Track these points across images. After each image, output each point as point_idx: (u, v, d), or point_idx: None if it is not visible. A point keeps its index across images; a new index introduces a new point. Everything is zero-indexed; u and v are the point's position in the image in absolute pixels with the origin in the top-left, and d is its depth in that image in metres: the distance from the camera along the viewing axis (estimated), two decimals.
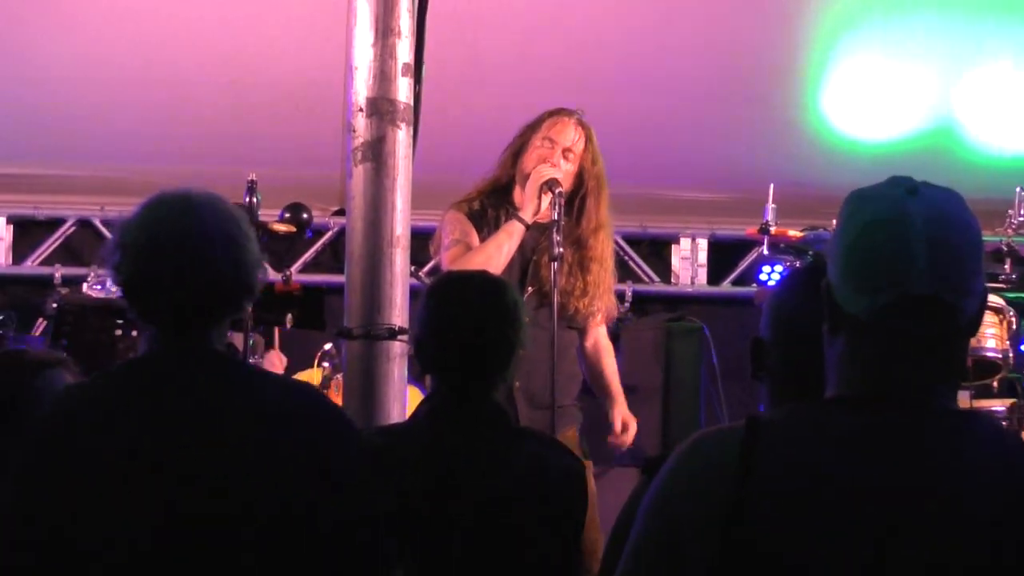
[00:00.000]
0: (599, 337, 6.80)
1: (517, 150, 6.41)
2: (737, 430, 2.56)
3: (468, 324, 4.13)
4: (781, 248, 7.35)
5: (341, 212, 9.05)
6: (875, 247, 2.53)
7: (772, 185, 7.26)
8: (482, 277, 4.63)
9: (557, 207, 6.15)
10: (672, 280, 10.24)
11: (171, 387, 3.28)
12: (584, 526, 4.27)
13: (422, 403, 4.23)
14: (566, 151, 6.32)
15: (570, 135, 6.34)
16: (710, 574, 2.47)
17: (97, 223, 9.72)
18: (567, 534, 4.17)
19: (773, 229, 7.22)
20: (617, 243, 9.56)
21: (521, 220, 6.18)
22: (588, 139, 6.42)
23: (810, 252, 7.25)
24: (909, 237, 2.49)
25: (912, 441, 2.50)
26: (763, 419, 2.61)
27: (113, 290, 8.37)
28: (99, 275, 8.67)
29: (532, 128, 6.42)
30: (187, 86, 8.24)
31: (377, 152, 5.26)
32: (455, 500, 3.99)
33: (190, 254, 3.29)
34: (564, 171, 6.29)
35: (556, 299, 6.11)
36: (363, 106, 5.30)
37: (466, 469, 4.03)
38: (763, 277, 8.79)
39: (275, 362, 7.75)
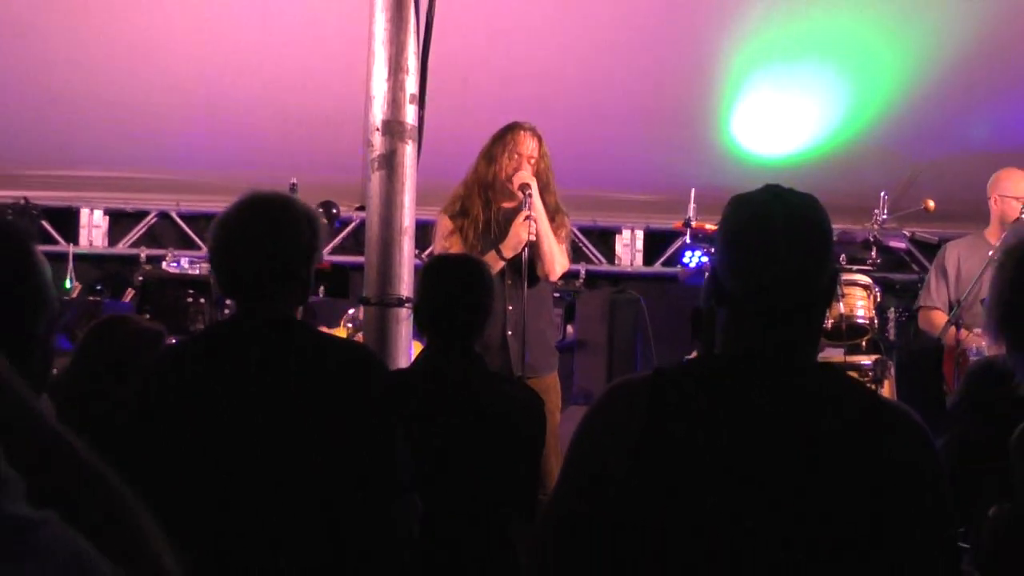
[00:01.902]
0: None
1: (490, 157, 6.41)
2: (646, 378, 2.56)
3: (450, 294, 4.23)
4: (699, 238, 7.39)
5: (362, 208, 9.09)
6: (747, 239, 2.53)
7: (693, 189, 7.28)
8: (464, 259, 4.72)
9: (527, 203, 6.26)
10: (616, 262, 10.21)
11: (245, 344, 3.39)
12: (543, 451, 4.32)
13: (421, 353, 4.33)
14: (528, 158, 6.36)
15: (529, 145, 6.37)
16: (621, 494, 2.47)
17: (173, 215, 9.75)
18: (529, 455, 4.21)
19: (694, 223, 7.25)
20: (573, 233, 9.63)
21: (501, 255, 6.22)
22: (540, 143, 6.43)
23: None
24: (773, 231, 2.49)
25: (778, 389, 2.50)
26: (667, 370, 2.60)
27: (186, 266, 8.47)
28: (175, 255, 8.78)
29: (500, 140, 6.41)
30: (244, 108, 8.24)
31: (390, 162, 5.30)
32: (445, 422, 4.07)
33: (254, 239, 3.41)
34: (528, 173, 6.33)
35: (524, 272, 6.24)
36: (379, 127, 5.34)
37: (452, 401, 4.10)
38: (686, 260, 8.84)
39: None
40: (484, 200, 6.39)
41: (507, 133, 6.43)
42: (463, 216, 6.39)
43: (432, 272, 4.35)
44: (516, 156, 6.35)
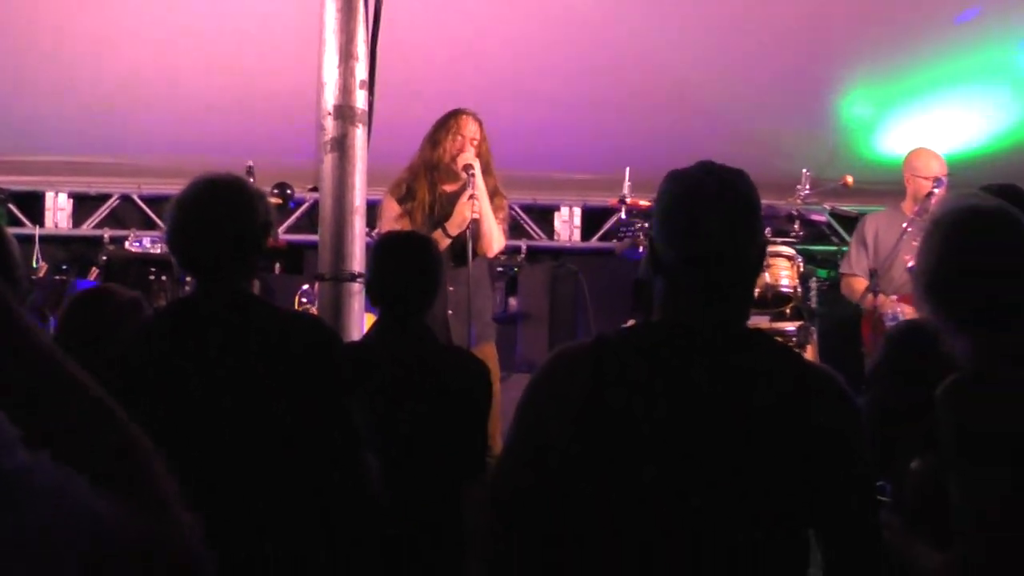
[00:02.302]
0: None
1: (434, 141, 6.47)
2: (588, 346, 2.59)
3: (402, 271, 4.23)
4: (634, 213, 7.41)
5: (315, 189, 9.05)
6: (680, 213, 2.55)
7: (628, 168, 7.30)
8: (414, 236, 4.73)
9: (470, 183, 6.31)
10: (555, 238, 10.21)
11: (207, 320, 3.39)
12: (489, 415, 4.36)
13: (373, 326, 4.33)
14: (471, 140, 6.43)
15: (471, 128, 6.45)
16: (564, 462, 2.49)
17: (135, 197, 9.66)
18: (477, 418, 4.25)
19: (628, 200, 7.28)
20: (514, 210, 9.68)
21: (447, 233, 6.30)
22: (481, 128, 6.50)
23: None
24: (704, 206, 2.51)
25: (712, 357, 2.52)
26: (608, 338, 2.62)
27: (148, 246, 8.43)
28: (137, 235, 8.72)
29: (444, 125, 6.49)
30: (202, 96, 8.16)
31: (341, 145, 5.29)
32: (398, 391, 4.08)
33: (212, 221, 3.40)
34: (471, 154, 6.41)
35: (469, 252, 6.30)
36: (331, 111, 5.33)
37: (405, 371, 4.12)
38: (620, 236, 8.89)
39: None
40: (430, 183, 6.46)
41: (451, 118, 6.50)
42: (410, 199, 6.45)
43: (384, 249, 4.35)
44: (459, 139, 6.43)
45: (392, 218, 6.41)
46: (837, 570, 2.55)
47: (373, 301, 4.31)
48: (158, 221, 9.41)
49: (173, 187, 9.56)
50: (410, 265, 4.22)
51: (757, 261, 2.65)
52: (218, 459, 3.24)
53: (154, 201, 9.59)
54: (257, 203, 3.45)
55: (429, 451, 4.09)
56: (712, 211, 2.51)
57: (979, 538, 2.60)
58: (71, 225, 9.68)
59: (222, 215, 3.38)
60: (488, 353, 6.35)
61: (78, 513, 1.11)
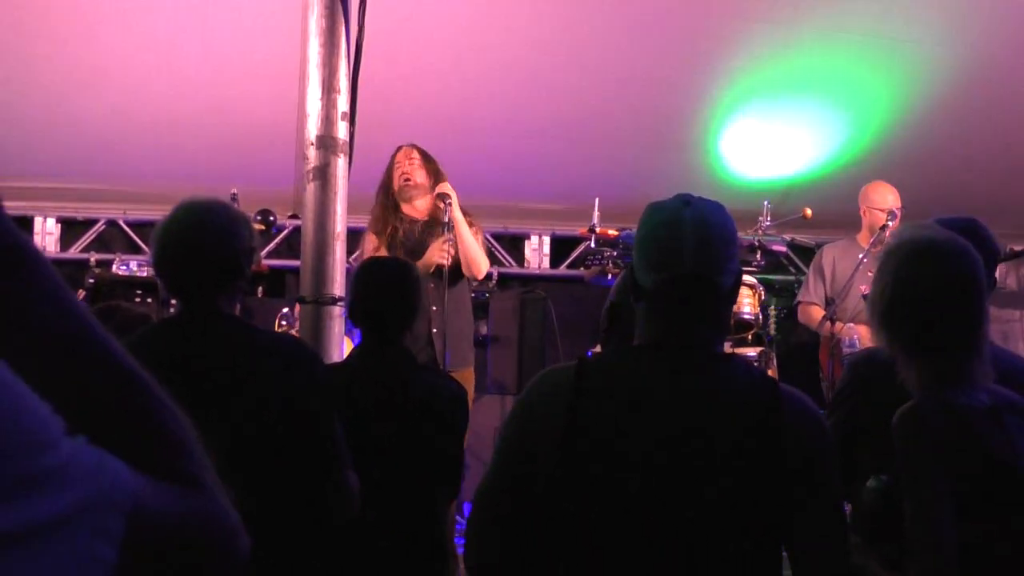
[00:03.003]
0: None
1: (385, 183, 6.75)
2: (572, 366, 2.61)
3: (382, 294, 4.21)
4: (601, 243, 7.42)
5: (295, 216, 9.04)
6: (659, 240, 2.58)
7: (597, 199, 7.30)
8: (393, 262, 4.71)
9: (447, 212, 6.38)
10: (525, 265, 10.22)
11: (190, 338, 3.36)
12: (465, 435, 4.34)
13: (355, 348, 4.30)
14: (408, 162, 6.70)
15: (406, 153, 6.73)
16: (548, 475, 2.50)
17: (121, 223, 9.64)
18: (454, 438, 4.23)
19: (598, 229, 7.29)
20: (486, 238, 9.67)
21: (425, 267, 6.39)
22: (420, 152, 6.75)
23: (621, 245, 7.34)
24: (682, 234, 2.54)
25: (689, 378, 2.55)
26: (590, 359, 2.67)
27: (134, 269, 8.39)
28: (123, 259, 8.67)
29: (388, 166, 6.78)
30: (186, 126, 8.13)
31: (323, 174, 5.27)
32: (378, 411, 4.05)
33: (197, 245, 3.37)
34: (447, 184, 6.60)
35: (445, 279, 6.44)
36: (314, 141, 5.30)
37: (385, 391, 4.09)
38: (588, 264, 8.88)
39: None
40: (396, 216, 6.66)
41: (392, 157, 6.81)
42: (383, 233, 6.63)
43: (365, 273, 4.32)
44: (399, 167, 6.70)
45: (371, 249, 6.57)
46: None
47: (354, 323, 4.27)
48: (143, 245, 9.40)
49: (158, 212, 9.55)
50: (390, 289, 4.19)
51: (733, 287, 2.66)
52: None
53: (139, 226, 9.58)
54: (241, 228, 3.43)
55: (407, 471, 4.05)
56: (689, 236, 2.54)
57: (928, 559, 2.59)
58: (59, 249, 9.63)
59: (207, 239, 3.35)
60: (467, 377, 6.40)
61: (119, 496, 1.09)
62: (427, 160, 6.72)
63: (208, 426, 3.11)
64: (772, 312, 7.97)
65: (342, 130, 5.37)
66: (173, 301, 6.08)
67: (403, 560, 4.03)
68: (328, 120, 5.34)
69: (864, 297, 6.88)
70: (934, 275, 2.81)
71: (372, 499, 3.63)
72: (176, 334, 3.39)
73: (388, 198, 6.70)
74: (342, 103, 5.38)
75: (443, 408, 4.16)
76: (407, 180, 6.64)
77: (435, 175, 6.68)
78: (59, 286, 1.22)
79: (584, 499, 2.49)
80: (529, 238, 10.28)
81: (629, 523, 2.47)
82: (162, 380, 3.17)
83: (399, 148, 6.78)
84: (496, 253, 10.04)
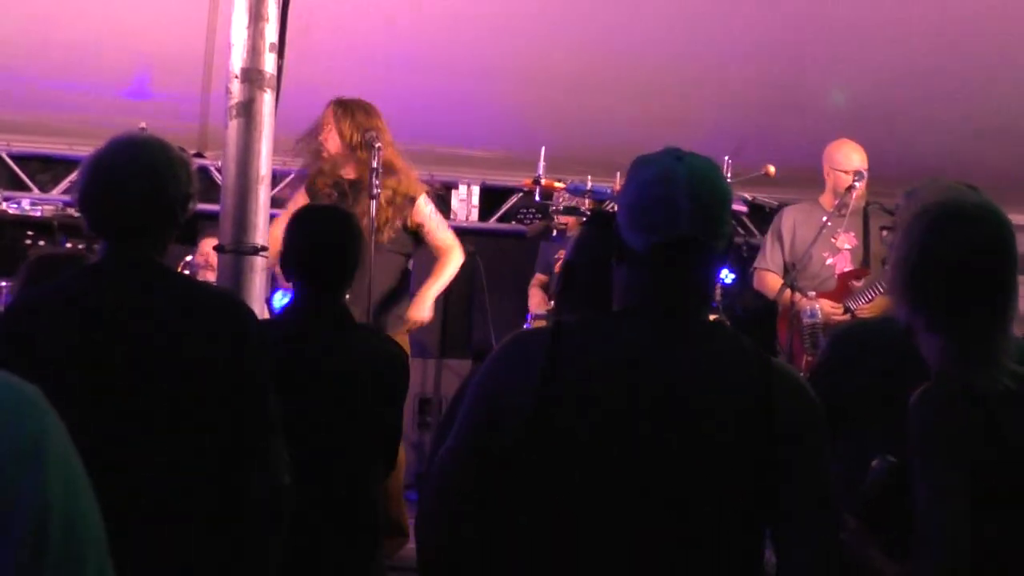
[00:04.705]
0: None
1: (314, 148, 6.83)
2: (547, 330, 2.63)
3: (323, 244, 4.20)
4: (548, 196, 7.42)
5: (200, 155, 9.02)
6: (651, 199, 2.60)
7: (543, 147, 7.27)
8: (334, 210, 4.69)
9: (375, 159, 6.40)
10: (451, 216, 10.13)
11: (116, 288, 3.32)
12: (404, 401, 4.34)
13: (289, 302, 4.28)
14: (324, 126, 6.75)
15: (325, 116, 6.74)
16: (517, 441, 2.53)
17: (3, 155, 9.46)
18: (394, 403, 4.25)
19: (544, 181, 7.28)
20: None
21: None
22: (334, 114, 6.73)
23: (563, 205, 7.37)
24: (676, 192, 2.56)
25: (673, 343, 2.59)
26: (567, 323, 2.68)
27: (27, 208, 8.28)
28: (13, 197, 8.57)
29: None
30: (91, 51, 7.95)
31: (248, 110, 5.19)
32: (312, 371, 4.05)
33: (131, 183, 3.34)
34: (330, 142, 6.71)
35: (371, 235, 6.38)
36: (238, 74, 5.23)
37: (318, 351, 4.09)
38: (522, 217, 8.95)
39: None
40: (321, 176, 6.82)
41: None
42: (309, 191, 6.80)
43: (302, 221, 4.30)
44: (321, 130, 6.76)
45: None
46: (791, 571, 2.59)
47: (288, 277, 4.25)
48: (28, 181, 9.28)
49: (47, 146, 9.46)
50: (330, 239, 4.19)
51: (723, 252, 2.69)
52: (117, 440, 3.17)
53: (24, 159, 9.44)
54: (180, 171, 3.40)
55: (341, 437, 4.07)
56: (684, 197, 2.57)
57: (941, 552, 2.64)
58: None
59: (143, 179, 3.32)
60: (403, 342, 6.41)
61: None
62: (345, 115, 6.71)
63: (126, 383, 3.13)
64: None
65: (270, 63, 5.31)
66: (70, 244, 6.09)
67: (335, 539, 4.05)
68: (255, 51, 5.26)
69: (830, 266, 7.06)
70: (966, 241, 2.85)
71: (303, 473, 3.63)
72: (100, 282, 3.34)
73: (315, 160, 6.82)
74: (270, 33, 5.30)
75: (384, 374, 4.17)
76: (324, 155, 6.75)
77: (359, 129, 6.66)
78: None
79: (560, 474, 2.53)
80: (457, 187, 10.24)
81: (608, 498, 2.51)
82: (83, 334, 3.15)
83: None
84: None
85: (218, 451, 3.28)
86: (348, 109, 6.70)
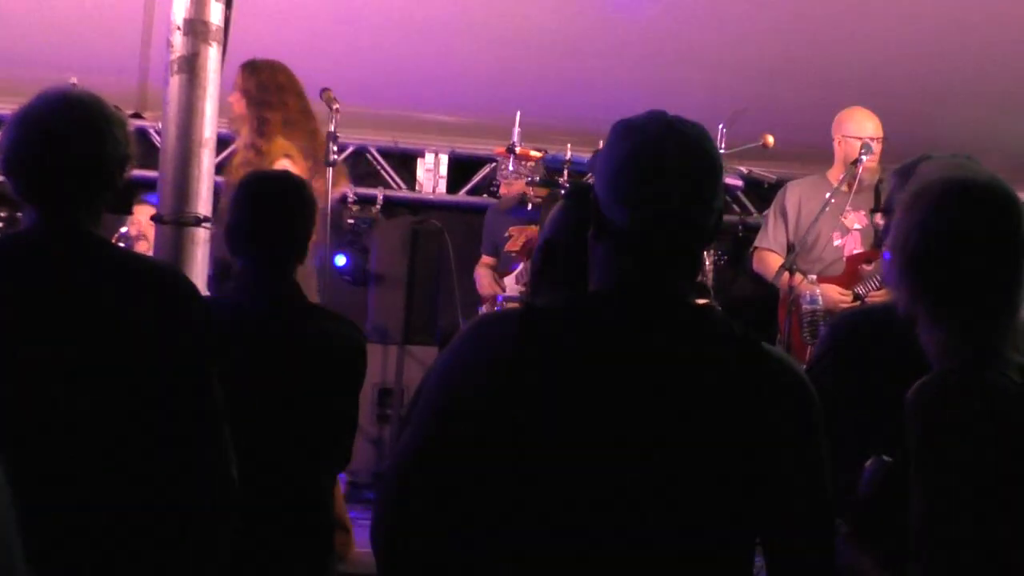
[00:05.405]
0: None
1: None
2: (515, 314, 2.60)
3: (273, 215, 4.16)
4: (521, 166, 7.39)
5: (137, 115, 8.97)
6: (637, 169, 2.55)
7: (519, 112, 7.25)
8: (285, 176, 4.65)
9: None
10: (417, 188, 10.16)
11: (45, 260, 3.26)
12: (360, 387, 4.32)
13: (234, 277, 4.25)
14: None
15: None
16: (483, 430, 2.50)
17: None
18: (349, 391, 4.23)
19: (519, 149, 7.25)
20: (370, 153, 9.67)
21: None
22: (242, 72, 6.74)
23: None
24: (665, 162, 2.52)
25: (656, 329, 2.55)
26: (538, 307, 2.66)
27: None
28: None
29: None
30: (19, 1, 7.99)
31: (191, 66, 5.16)
32: (257, 354, 4.02)
33: (55, 142, 3.28)
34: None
35: None
36: (180, 26, 5.20)
37: (268, 331, 4.07)
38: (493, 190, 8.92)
39: None
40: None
41: None
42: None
43: (249, 189, 4.24)
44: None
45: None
46: None
47: (234, 251, 4.22)
48: None
49: None
50: (280, 208, 4.16)
51: (713, 229, 2.66)
52: (47, 430, 3.15)
53: None
54: (116, 130, 3.35)
55: (292, 425, 4.05)
56: (675, 168, 2.54)
57: (942, 560, 2.64)
58: None
59: (73, 138, 3.26)
60: None
61: None
62: (251, 76, 6.76)
63: (59, 367, 3.11)
64: (708, 257, 8.00)
65: (216, 13, 5.28)
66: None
67: (281, 538, 4.03)
68: (199, 1, 5.24)
69: (838, 248, 7.02)
70: (973, 220, 2.82)
71: (249, 467, 3.61)
72: (27, 254, 3.29)
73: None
74: None
75: (340, 359, 4.15)
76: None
77: (259, 88, 6.70)
78: None
79: (533, 474, 2.50)
80: (423, 156, 10.22)
81: (584, 501, 2.48)
82: (7, 316, 3.12)
83: None
84: (382, 172, 10.00)
85: (155, 439, 3.26)
86: (256, 70, 6.73)
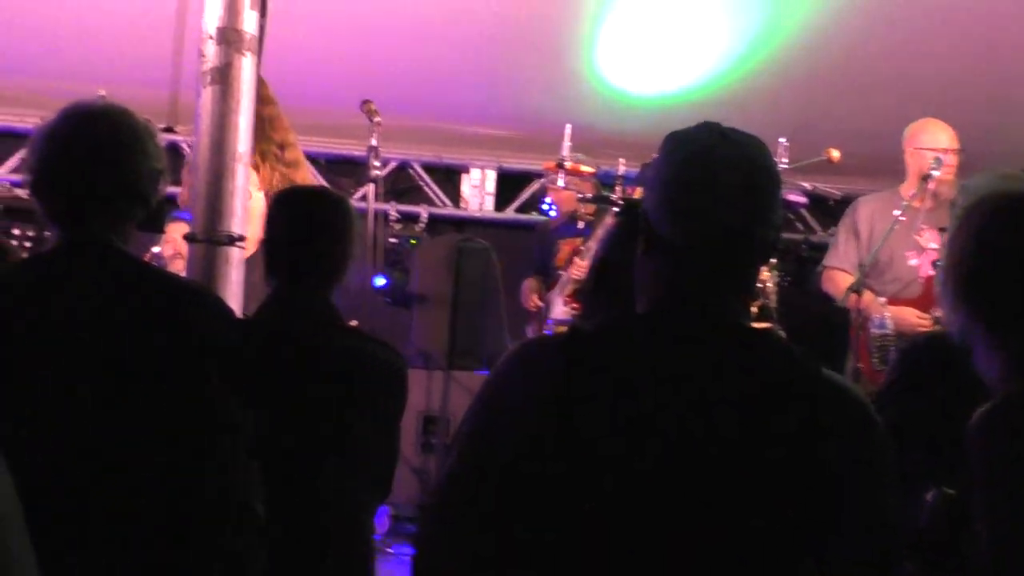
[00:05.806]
0: None
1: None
2: (560, 339, 2.59)
3: (308, 233, 4.16)
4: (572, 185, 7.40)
5: (170, 129, 9.02)
6: (691, 182, 2.54)
7: (569, 125, 7.24)
8: (321, 191, 4.66)
9: None
10: (462, 205, 10.20)
11: (73, 280, 3.30)
12: (402, 415, 4.28)
13: (266, 300, 4.24)
14: None
15: None
16: (524, 462, 2.50)
17: None
18: (389, 426, 4.22)
19: (568, 165, 7.25)
20: (414, 169, 9.70)
21: None
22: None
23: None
24: (719, 175, 2.52)
25: (712, 354, 2.53)
26: (584, 330, 2.62)
27: None
28: None
29: None
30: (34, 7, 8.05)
31: (224, 76, 5.14)
32: (294, 378, 4.02)
33: (81, 161, 3.31)
34: None
35: None
36: (213, 35, 5.21)
37: (301, 358, 4.05)
38: (544, 207, 8.92)
39: None
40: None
41: None
42: None
43: (283, 206, 4.27)
44: None
45: None
46: None
47: (267, 269, 4.21)
48: None
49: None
50: (316, 226, 4.16)
51: (770, 245, 2.64)
52: (66, 455, 3.18)
53: None
54: (148, 144, 3.39)
55: (326, 454, 4.04)
56: (731, 183, 2.53)
57: None
58: None
59: (105, 153, 3.30)
60: None
61: None
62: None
63: (83, 392, 3.14)
64: (770, 278, 7.97)
65: (250, 22, 5.29)
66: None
67: (310, 565, 4.01)
68: (233, 9, 5.23)
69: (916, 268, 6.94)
70: None
71: (279, 498, 3.62)
72: (54, 273, 3.33)
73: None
74: None
75: (379, 385, 4.13)
76: None
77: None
78: None
79: (579, 507, 2.49)
80: (468, 171, 10.25)
81: (633, 538, 2.47)
82: (25, 337, 3.16)
83: None
84: (426, 189, 10.01)
85: (179, 468, 3.28)
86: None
